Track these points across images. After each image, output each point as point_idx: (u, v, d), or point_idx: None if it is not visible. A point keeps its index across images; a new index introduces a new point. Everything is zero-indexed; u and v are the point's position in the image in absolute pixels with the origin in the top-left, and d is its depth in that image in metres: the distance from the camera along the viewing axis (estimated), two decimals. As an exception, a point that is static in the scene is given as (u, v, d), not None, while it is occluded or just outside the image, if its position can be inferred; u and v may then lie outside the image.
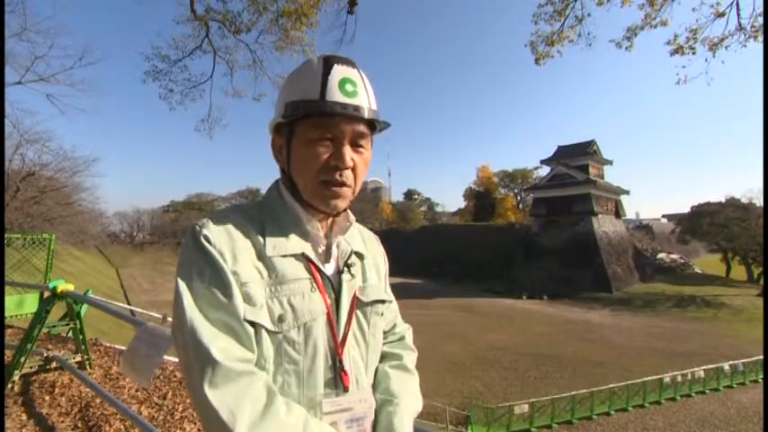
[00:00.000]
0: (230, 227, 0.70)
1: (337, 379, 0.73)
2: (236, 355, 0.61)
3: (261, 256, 0.70)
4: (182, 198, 71.91)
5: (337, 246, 0.81)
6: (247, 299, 0.66)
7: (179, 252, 0.71)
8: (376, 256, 0.91)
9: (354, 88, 0.73)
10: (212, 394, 0.57)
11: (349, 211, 0.81)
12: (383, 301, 0.85)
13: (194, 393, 0.59)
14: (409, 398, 0.81)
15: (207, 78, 8.22)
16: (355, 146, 0.75)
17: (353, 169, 0.75)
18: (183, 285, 0.65)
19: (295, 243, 0.74)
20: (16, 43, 11.23)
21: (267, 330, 0.66)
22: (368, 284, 0.83)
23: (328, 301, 0.74)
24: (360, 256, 0.85)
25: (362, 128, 0.74)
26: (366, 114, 0.72)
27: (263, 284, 0.68)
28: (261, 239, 0.71)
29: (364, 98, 0.74)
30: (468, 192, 70.81)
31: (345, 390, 0.73)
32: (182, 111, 8.36)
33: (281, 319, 0.67)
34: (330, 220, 0.80)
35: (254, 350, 0.64)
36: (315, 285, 0.73)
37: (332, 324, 0.74)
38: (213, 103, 8.52)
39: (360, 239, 0.88)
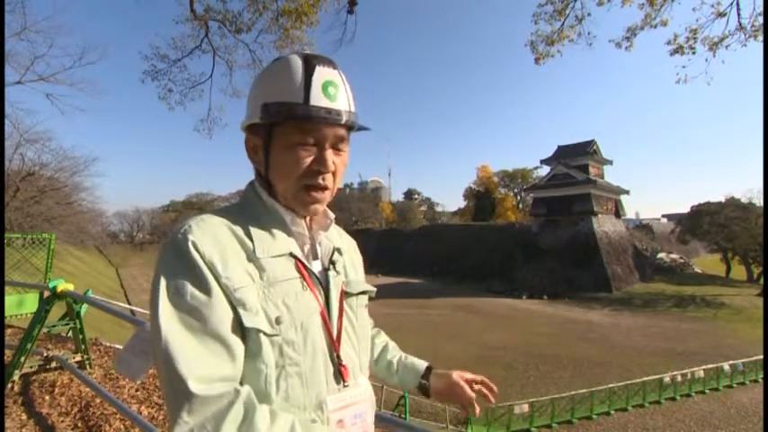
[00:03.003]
0: (217, 231, 0.67)
1: (337, 375, 0.73)
2: (215, 378, 0.58)
3: (250, 258, 0.68)
4: (182, 198, 71.99)
5: (319, 243, 0.81)
6: (242, 305, 0.63)
7: (157, 259, 0.65)
8: (351, 251, 0.92)
9: (336, 91, 0.72)
10: (191, 424, 0.54)
11: (327, 208, 0.81)
12: (366, 292, 0.87)
13: (172, 422, 0.56)
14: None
15: (206, 78, 8.20)
16: (335, 149, 0.74)
17: (334, 172, 0.75)
18: (161, 299, 0.60)
19: (282, 243, 0.73)
20: (16, 43, 11.24)
21: (266, 335, 0.65)
22: (350, 279, 0.85)
23: (320, 299, 0.74)
24: (339, 251, 0.85)
25: (343, 131, 0.74)
26: (347, 118, 0.72)
27: (255, 287, 0.66)
28: (249, 241, 0.69)
29: (345, 101, 0.73)
30: (468, 192, 70.83)
31: (346, 385, 0.74)
32: (181, 111, 8.36)
33: (278, 321, 0.66)
34: (309, 218, 0.80)
35: (238, 365, 0.62)
36: (305, 284, 0.73)
37: (326, 321, 0.74)
38: (213, 103, 8.51)
39: (337, 235, 0.89)
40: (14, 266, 4.55)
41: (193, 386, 0.55)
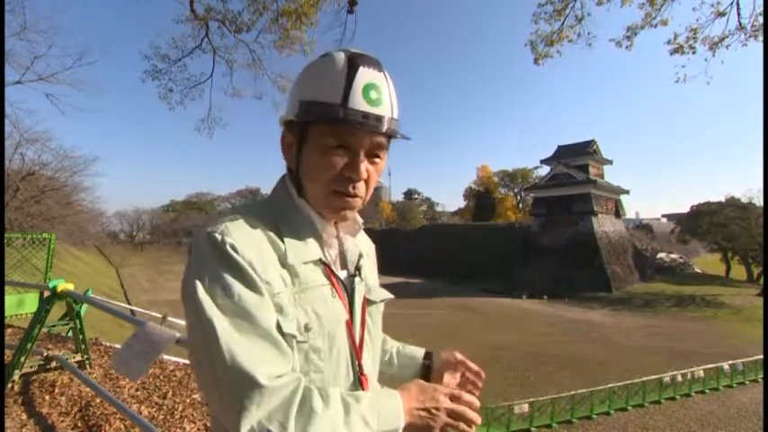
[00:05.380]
0: (253, 233, 0.65)
1: (357, 384, 0.72)
2: (279, 372, 0.57)
3: (283, 263, 0.66)
4: (182, 198, 72.15)
5: (347, 249, 0.80)
6: (280, 310, 0.62)
7: (192, 262, 0.63)
8: (371, 254, 0.90)
9: (379, 95, 0.67)
10: (259, 415, 0.53)
11: (357, 214, 0.78)
12: (383, 300, 0.85)
13: (235, 414, 0.54)
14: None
15: (206, 78, 8.25)
16: (371, 156, 0.71)
17: (366, 180, 0.71)
18: (208, 304, 0.57)
19: (312, 248, 0.71)
20: (16, 43, 11.28)
21: (297, 341, 0.64)
22: (371, 285, 0.82)
23: (346, 307, 0.73)
24: (363, 256, 0.84)
25: (381, 139, 0.70)
26: (387, 126, 0.68)
27: (288, 293, 0.65)
28: (281, 245, 0.67)
29: (387, 107, 0.69)
30: (468, 191, 70.81)
31: None
32: (181, 110, 8.39)
33: (307, 327, 0.65)
34: (337, 222, 0.78)
35: (292, 358, 0.62)
36: (335, 291, 0.71)
37: (351, 329, 0.73)
38: (213, 103, 8.56)
39: (360, 239, 0.87)
40: (14, 266, 4.54)
41: (263, 380, 0.54)
